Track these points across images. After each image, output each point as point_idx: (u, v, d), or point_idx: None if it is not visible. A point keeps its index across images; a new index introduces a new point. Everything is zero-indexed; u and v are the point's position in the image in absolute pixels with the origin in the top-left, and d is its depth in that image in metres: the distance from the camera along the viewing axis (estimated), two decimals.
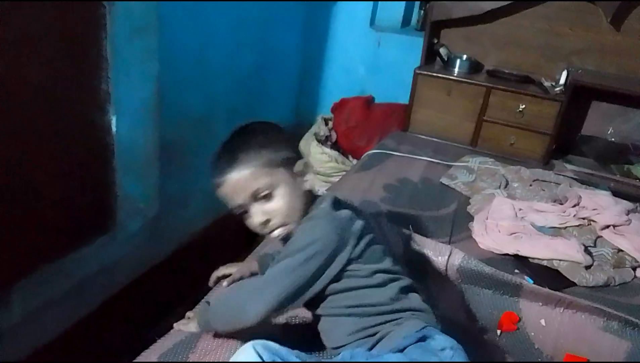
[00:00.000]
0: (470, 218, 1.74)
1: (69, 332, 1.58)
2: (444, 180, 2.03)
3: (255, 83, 2.46)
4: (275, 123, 1.06)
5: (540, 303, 1.25)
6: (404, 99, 2.59)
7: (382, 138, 2.51)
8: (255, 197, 0.96)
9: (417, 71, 2.47)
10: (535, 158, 2.35)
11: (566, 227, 1.64)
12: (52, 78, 1.32)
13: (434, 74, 2.47)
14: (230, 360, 0.84)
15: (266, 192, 0.96)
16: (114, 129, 1.53)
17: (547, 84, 2.35)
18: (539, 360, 1.26)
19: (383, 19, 2.92)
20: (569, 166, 2.30)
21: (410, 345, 0.89)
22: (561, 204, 1.80)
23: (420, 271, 1.32)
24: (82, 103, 1.44)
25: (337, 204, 1.01)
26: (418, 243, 1.35)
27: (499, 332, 1.28)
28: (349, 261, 0.94)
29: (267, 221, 0.98)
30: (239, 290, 1.00)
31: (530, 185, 1.97)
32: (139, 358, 1.02)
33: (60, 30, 1.29)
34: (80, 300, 1.61)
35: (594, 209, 1.71)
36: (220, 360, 0.98)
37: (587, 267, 1.46)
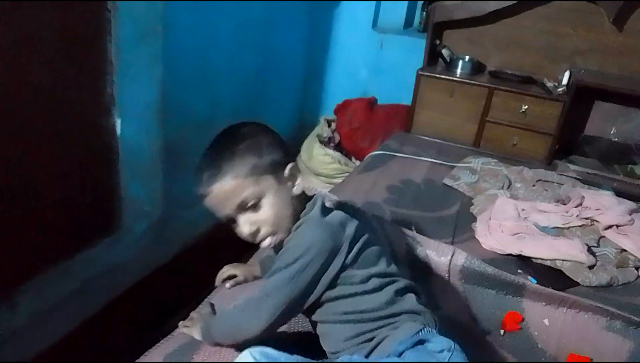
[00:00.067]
0: (473, 219, 1.74)
1: (74, 333, 1.58)
2: (447, 181, 2.03)
3: (258, 85, 2.47)
4: (262, 123, 1.01)
5: (544, 303, 1.25)
6: (407, 101, 2.60)
7: (385, 139, 2.51)
8: (242, 207, 0.93)
9: (420, 72, 2.48)
10: (538, 159, 2.35)
11: (569, 227, 1.64)
12: (56, 80, 1.33)
13: (437, 76, 2.48)
14: None
15: (253, 202, 0.93)
16: (118, 132, 1.55)
17: (549, 84, 2.35)
18: (543, 359, 1.25)
19: (385, 21, 2.92)
20: (571, 167, 2.30)
21: (408, 349, 0.88)
22: (564, 204, 1.80)
23: (423, 272, 1.32)
24: (87, 106, 1.45)
25: (325, 209, 0.98)
26: (421, 244, 1.35)
27: (502, 331, 1.27)
28: (343, 267, 0.92)
29: (257, 231, 0.95)
30: (239, 305, 0.98)
31: (533, 185, 1.97)
32: (144, 358, 1.03)
33: (61, 31, 1.30)
34: (85, 301, 1.62)
35: (597, 209, 1.71)
36: (224, 361, 0.98)
37: (590, 267, 1.47)
